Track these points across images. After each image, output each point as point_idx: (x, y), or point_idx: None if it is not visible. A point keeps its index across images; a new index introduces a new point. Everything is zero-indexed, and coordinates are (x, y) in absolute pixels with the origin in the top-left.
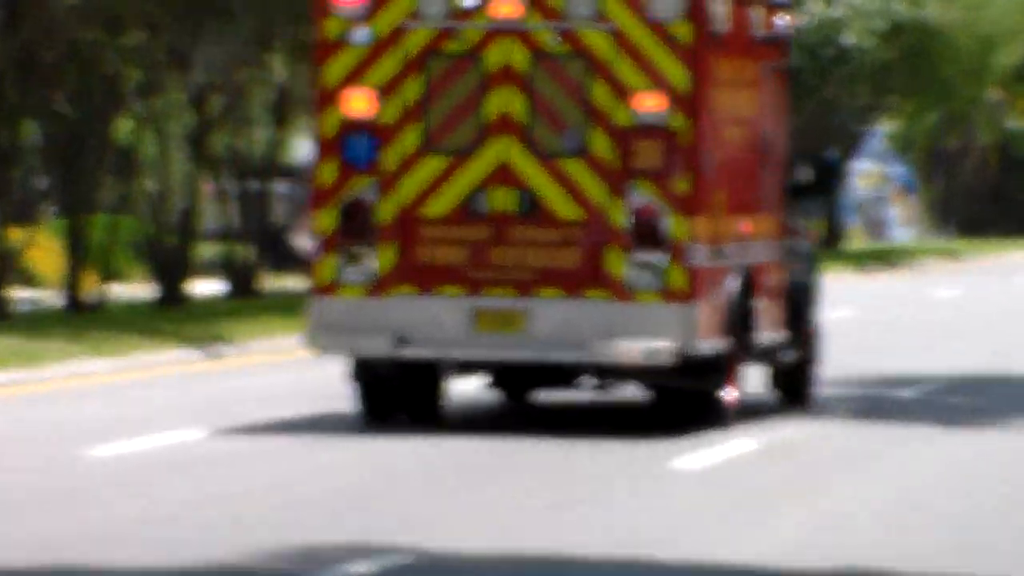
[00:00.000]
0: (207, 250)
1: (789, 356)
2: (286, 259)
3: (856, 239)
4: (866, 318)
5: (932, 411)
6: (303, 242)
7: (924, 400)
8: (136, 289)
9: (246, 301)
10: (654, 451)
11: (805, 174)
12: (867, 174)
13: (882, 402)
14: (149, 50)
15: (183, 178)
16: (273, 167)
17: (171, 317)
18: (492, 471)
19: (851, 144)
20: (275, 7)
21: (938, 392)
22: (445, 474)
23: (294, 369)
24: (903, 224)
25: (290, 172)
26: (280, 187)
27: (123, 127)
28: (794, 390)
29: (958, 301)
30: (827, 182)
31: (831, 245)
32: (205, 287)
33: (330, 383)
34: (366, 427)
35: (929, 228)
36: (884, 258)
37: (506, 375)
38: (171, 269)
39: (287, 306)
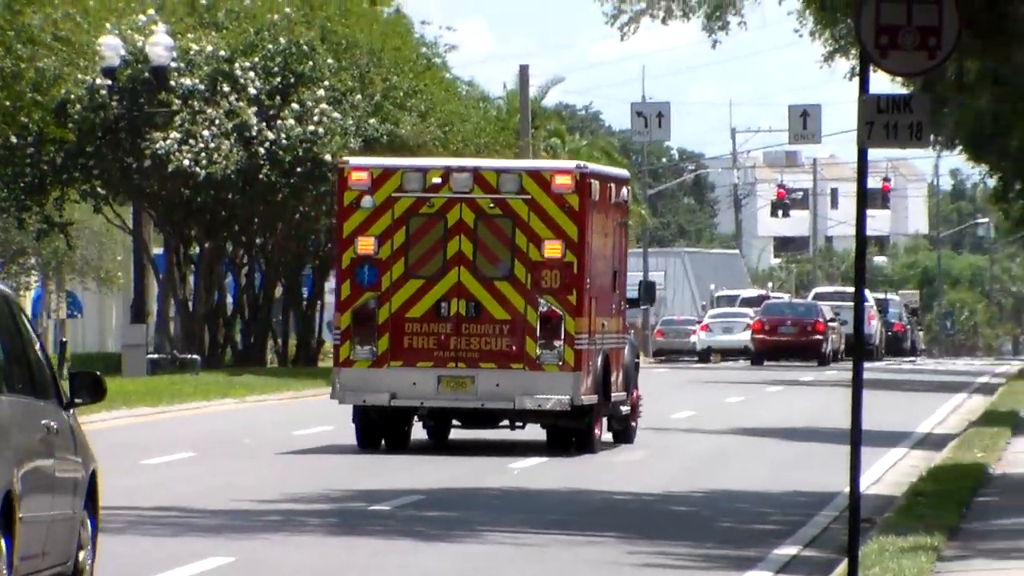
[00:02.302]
0: None
1: (624, 409)
2: None
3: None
4: (344, 435)
5: (408, 524)
6: None
7: (400, 514)
8: None
9: None
10: (135, 564)
11: (636, 291)
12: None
13: (360, 516)
14: None
15: None
16: None
17: None
18: None
19: (325, 263)
20: None
21: (415, 506)
22: None
23: None
24: None
25: None
26: None
27: None
28: (624, 433)
29: None
30: (648, 297)
31: (309, 363)
32: None
33: None
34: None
35: None
36: None
37: (454, 418)
38: None
39: None
